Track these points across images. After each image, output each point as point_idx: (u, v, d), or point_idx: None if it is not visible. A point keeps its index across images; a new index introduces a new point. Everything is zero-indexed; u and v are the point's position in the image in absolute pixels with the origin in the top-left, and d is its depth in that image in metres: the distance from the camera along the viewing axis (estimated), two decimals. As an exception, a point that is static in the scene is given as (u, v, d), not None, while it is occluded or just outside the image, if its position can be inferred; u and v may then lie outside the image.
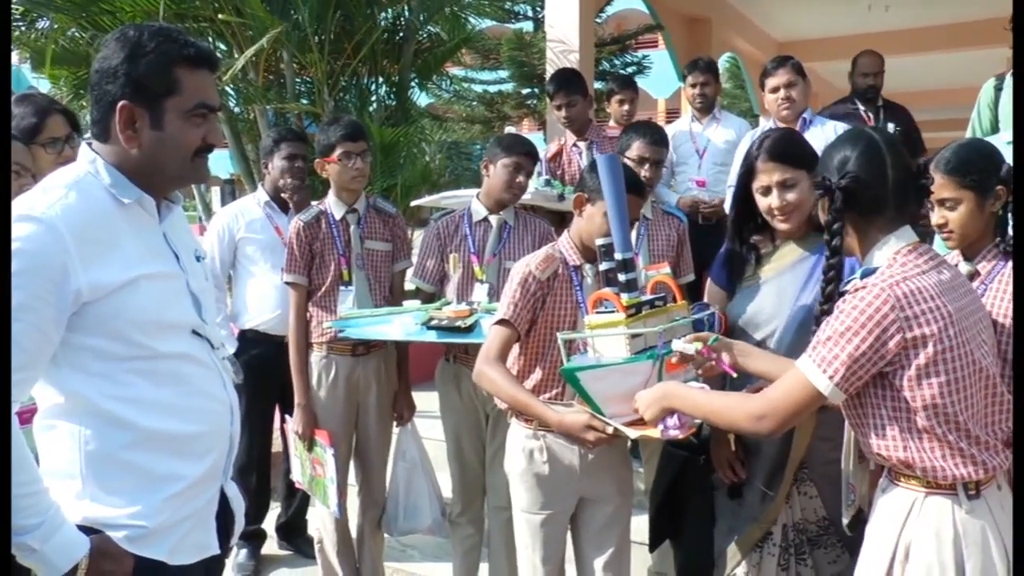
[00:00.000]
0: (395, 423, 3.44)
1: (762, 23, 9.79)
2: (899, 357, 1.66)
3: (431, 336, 2.92)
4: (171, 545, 1.61)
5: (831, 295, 1.82)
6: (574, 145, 4.38)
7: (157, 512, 1.59)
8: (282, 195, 3.85)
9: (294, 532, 4.16)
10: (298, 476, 3.44)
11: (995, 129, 3.59)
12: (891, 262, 1.73)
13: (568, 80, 4.36)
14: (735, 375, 2.13)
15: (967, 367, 1.68)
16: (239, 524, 1.83)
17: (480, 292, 3.13)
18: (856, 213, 1.78)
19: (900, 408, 1.70)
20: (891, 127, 4.74)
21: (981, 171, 2.06)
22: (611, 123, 4.94)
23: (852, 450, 1.95)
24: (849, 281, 1.78)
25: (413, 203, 5.12)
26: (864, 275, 1.74)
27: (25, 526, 1.42)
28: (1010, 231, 2.09)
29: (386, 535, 3.47)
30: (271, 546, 4.15)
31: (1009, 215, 2.09)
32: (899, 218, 1.78)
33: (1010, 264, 2.07)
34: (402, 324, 3.01)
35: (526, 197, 3.80)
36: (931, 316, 1.65)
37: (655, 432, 2.08)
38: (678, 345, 2.10)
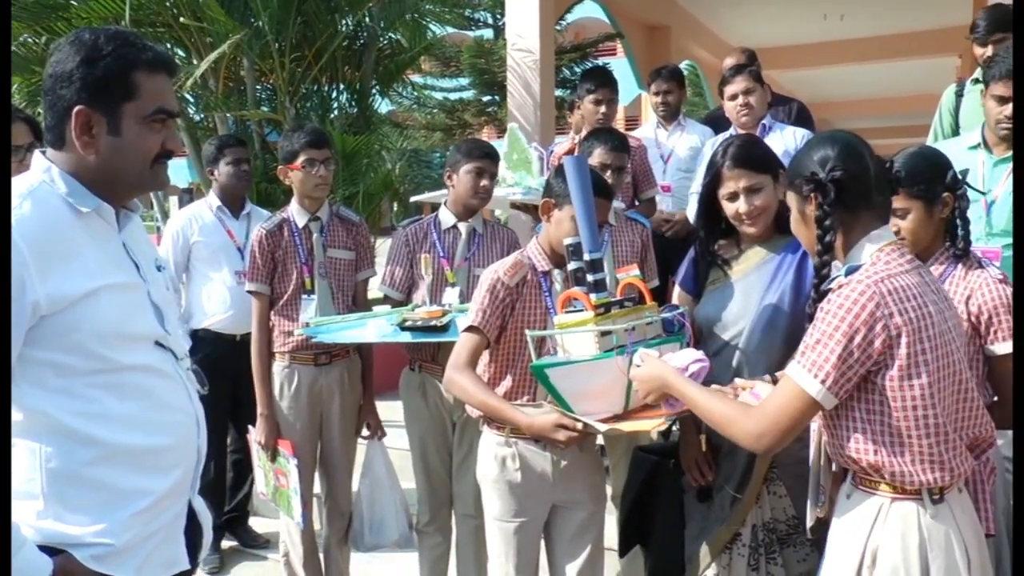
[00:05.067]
0: (361, 436, 3.41)
1: (720, 31, 9.91)
2: (884, 356, 1.66)
3: (406, 337, 2.90)
4: (139, 562, 1.57)
5: (825, 294, 1.77)
6: None
7: (124, 529, 1.54)
8: (234, 197, 4.06)
9: (237, 524, 4.31)
10: (262, 487, 3.39)
11: (955, 133, 3.68)
12: (875, 259, 1.73)
13: (609, 77, 4.27)
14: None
15: (945, 368, 1.69)
16: (208, 538, 1.79)
17: (451, 295, 3.12)
18: (844, 208, 1.76)
19: (874, 411, 1.71)
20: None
21: (928, 180, 2.11)
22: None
23: (822, 451, 1.96)
24: (833, 279, 1.77)
25: (412, 199, 5.16)
26: (848, 272, 1.74)
27: None
28: (959, 234, 2.15)
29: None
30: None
31: (958, 220, 2.15)
32: (879, 214, 1.79)
33: (959, 266, 2.14)
34: (376, 327, 3.00)
35: (517, 197, 3.78)
36: (914, 315, 1.66)
37: (648, 424, 2.09)
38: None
